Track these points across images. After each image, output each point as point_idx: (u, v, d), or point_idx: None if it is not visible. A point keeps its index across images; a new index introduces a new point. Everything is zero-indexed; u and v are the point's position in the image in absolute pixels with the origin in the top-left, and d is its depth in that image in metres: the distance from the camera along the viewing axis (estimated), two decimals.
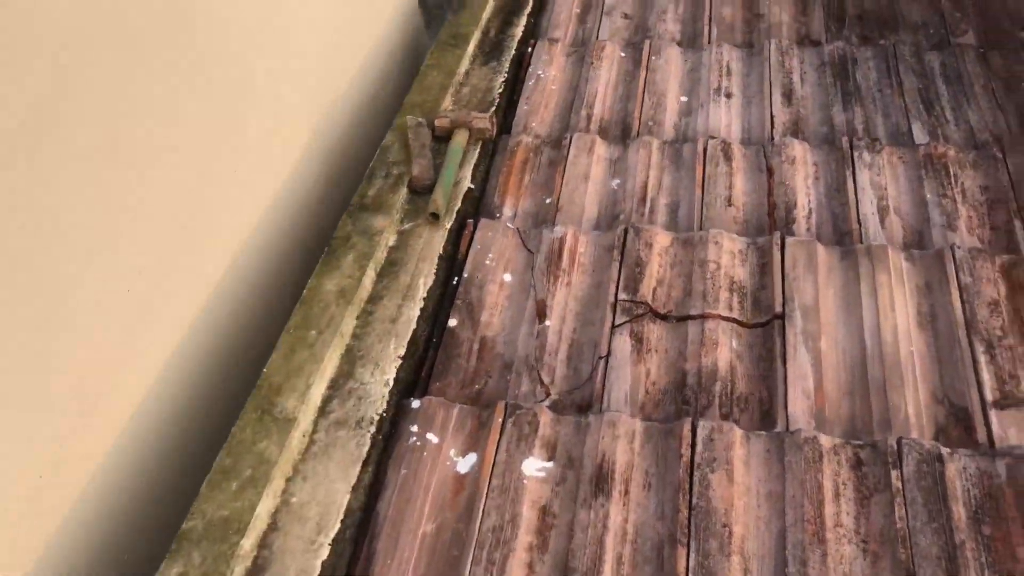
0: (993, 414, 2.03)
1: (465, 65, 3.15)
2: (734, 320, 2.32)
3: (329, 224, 2.55)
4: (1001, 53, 3.20)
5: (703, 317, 2.31)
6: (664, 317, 2.35)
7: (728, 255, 2.45)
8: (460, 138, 2.73)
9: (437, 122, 2.78)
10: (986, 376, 2.10)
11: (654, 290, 2.40)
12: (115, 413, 1.92)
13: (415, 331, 2.22)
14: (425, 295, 2.31)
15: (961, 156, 2.72)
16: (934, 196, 2.62)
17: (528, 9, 3.54)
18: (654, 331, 2.31)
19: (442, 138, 2.80)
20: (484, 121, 2.78)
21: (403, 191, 2.58)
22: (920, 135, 2.87)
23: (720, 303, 2.34)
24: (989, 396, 2.06)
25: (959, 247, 2.36)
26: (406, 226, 2.51)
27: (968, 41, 3.32)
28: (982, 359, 2.13)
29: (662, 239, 2.51)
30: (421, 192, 2.60)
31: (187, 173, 2.03)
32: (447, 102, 2.96)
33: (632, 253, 2.46)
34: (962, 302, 2.25)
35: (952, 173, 2.67)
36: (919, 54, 3.21)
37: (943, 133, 2.89)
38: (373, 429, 2.02)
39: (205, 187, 2.11)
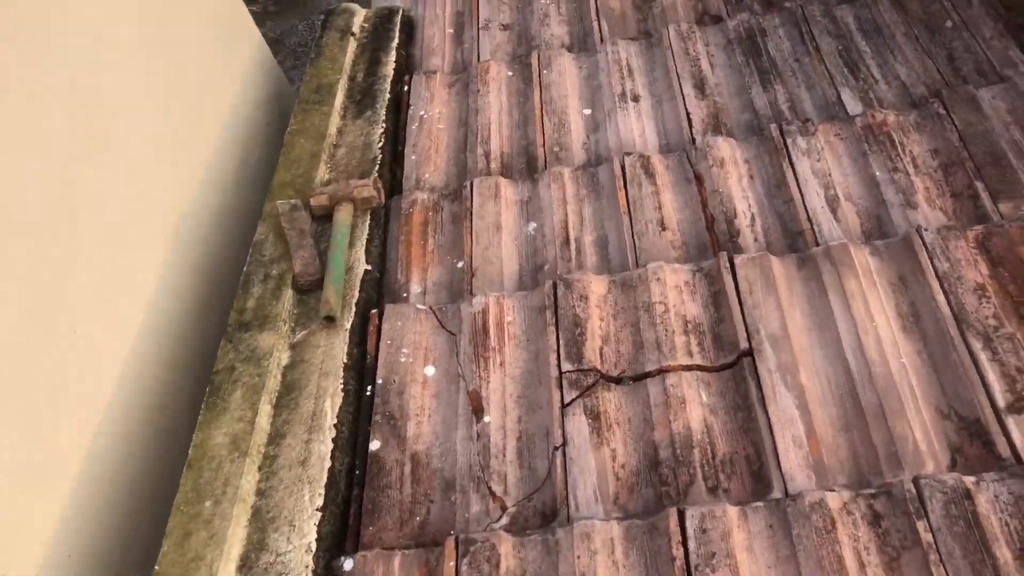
0: (1010, 421, 1.85)
1: (335, 123, 2.88)
2: (697, 367, 2.10)
3: (216, 347, 2.25)
4: None
5: (662, 372, 2.09)
6: (618, 380, 2.12)
7: (674, 291, 2.23)
8: (344, 214, 2.46)
9: (313, 201, 2.50)
10: (992, 377, 1.91)
11: (600, 350, 2.16)
12: None
13: (332, 469, 1.94)
14: (336, 420, 2.04)
15: (902, 120, 2.56)
16: (884, 172, 2.44)
17: (396, 40, 3.28)
18: (611, 401, 2.07)
19: (323, 218, 2.52)
20: (368, 188, 2.51)
21: (288, 294, 2.30)
22: (852, 104, 2.70)
23: (678, 350, 2.12)
24: (1000, 401, 1.88)
25: (926, 229, 2.18)
26: (298, 337, 2.22)
27: None
28: (982, 357, 1.95)
29: (597, 287, 2.28)
30: (309, 290, 2.32)
31: None
32: (322, 172, 2.68)
33: (567, 311, 2.22)
34: (945, 293, 2.07)
35: (897, 142, 2.50)
36: (829, 11, 3.05)
37: (876, 96, 2.73)
38: None
39: (28, 371, 1.79)
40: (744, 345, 2.09)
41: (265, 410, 2.03)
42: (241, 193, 2.95)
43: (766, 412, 1.96)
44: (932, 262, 2.13)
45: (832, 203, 2.42)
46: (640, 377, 2.11)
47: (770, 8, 3.21)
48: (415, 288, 2.45)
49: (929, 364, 1.99)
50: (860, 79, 2.79)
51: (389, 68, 3.14)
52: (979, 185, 2.35)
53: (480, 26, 3.41)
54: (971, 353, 1.96)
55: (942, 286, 2.08)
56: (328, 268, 2.31)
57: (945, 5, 2.97)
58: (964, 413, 1.90)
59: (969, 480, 1.73)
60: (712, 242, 2.41)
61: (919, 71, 2.77)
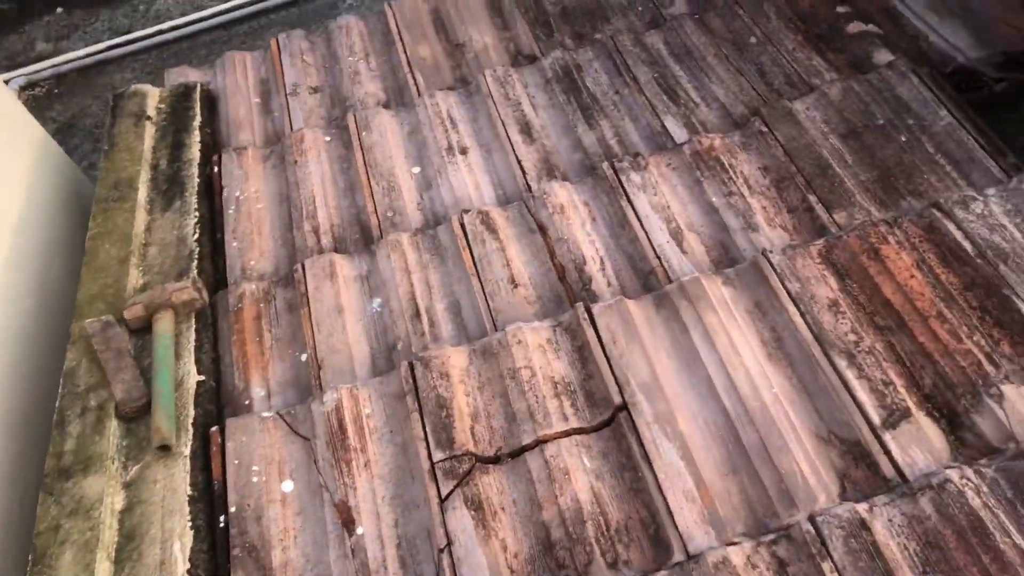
0: (888, 438, 1.84)
1: (142, 220, 2.60)
2: (575, 431, 1.99)
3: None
4: (716, 13, 3.12)
5: (540, 443, 1.97)
6: (496, 460, 1.97)
7: (538, 352, 2.12)
8: (164, 324, 2.20)
9: (127, 314, 2.23)
10: (862, 395, 1.91)
11: (472, 430, 2.01)
12: None
13: None
14: (188, 564, 1.79)
15: (728, 142, 2.58)
16: (720, 197, 2.44)
17: (198, 119, 3.03)
18: (491, 485, 1.92)
19: (143, 330, 2.25)
20: (188, 290, 2.26)
21: (112, 426, 2.02)
22: (677, 131, 2.70)
23: (552, 416, 2.00)
24: (875, 418, 1.88)
25: (771, 251, 2.18)
26: (132, 473, 1.95)
27: (680, 10, 3.24)
28: (849, 375, 1.95)
29: (457, 359, 2.14)
30: (136, 418, 2.05)
31: None
32: (134, 278, 2.40)
33: (429, 393, 2.06)
34: (802, 315, 2.06)
35: (727, 164, 2.51)
36: (640, 40, 3.07)
37: (698, 120, 2.74)
38: None
39: None
40: (617, 399, 2.00)
41: (103, 569, 1.75)
42: (44, 313, 2.61)
43: (652, 469, 1.88)
44: (784, 284, 2.12)
45: (676, 236, 2.38)
46: (518, 452, 1.97)
47: (582, 41, 3.20)
48: (258, 392, 2.22)
49: (801, 390, 1.97)
50: (681, 105, 2.80)
51: (194, 150, 2.88)
52: (812, 198, 2.39)
53: (288, 92, 3.20)
54: (838, 373, 1.95)
55: (797, 308, 2.08)
56: (155, 389, 2.05)
57: (746, 22, 3.04)
58: (844, 435, 1.88)
59: (862, 508, 1.70)
60: (567, 292, 2.32)
61: (735, 90, 2.81)
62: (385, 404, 2.10)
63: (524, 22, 3.32)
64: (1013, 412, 1.83)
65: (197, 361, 2.20)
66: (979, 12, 2.84)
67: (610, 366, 2.06)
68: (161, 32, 5.77)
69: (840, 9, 3.01)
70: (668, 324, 2.13)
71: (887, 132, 2.50)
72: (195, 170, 2.81)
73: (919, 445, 1.83)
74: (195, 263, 2.45)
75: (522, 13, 3.35)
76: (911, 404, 1.90)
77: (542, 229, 2.46)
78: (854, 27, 2.93)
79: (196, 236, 2.55)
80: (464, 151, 2.80)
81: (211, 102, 3.22)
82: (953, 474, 1.72)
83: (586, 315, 2.15)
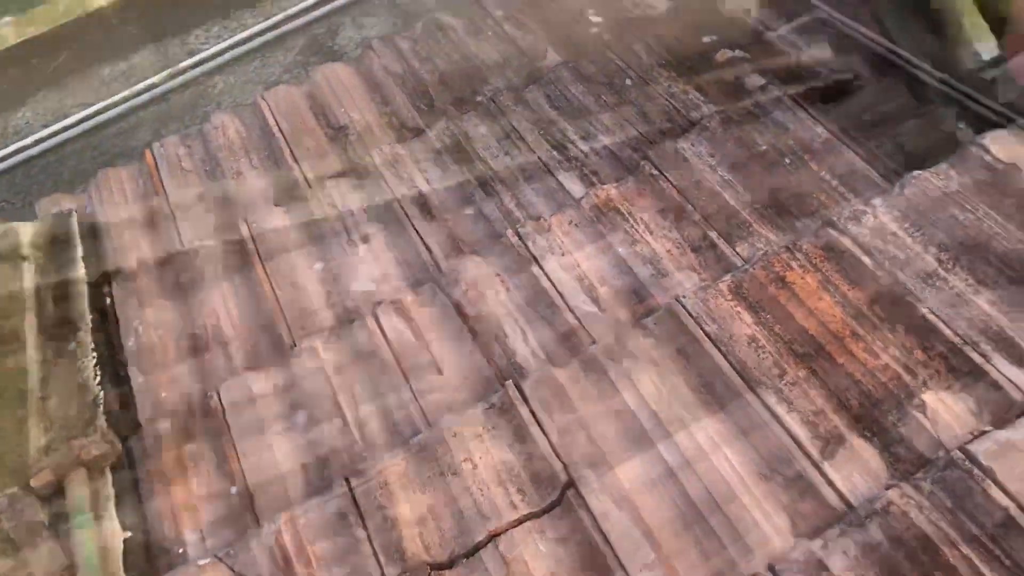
0: (827, 467, 1.90)
1: (36, 372, 2.49)
2: (526, 517, 1.99)
3: None
4: (589, 59, 3.20)
5: (493, 537, 1.96)
6: (451, 564, 1.95)
7: (476, 441, 2.11)
8: (78, 485, 2.11)
9: (34, 482, 2.13)
10: (796, 428, 1.97)
11: (421, 538, 1.99)
12: None
13: None
14: None
15: (623, 189, 2.64)
16: (626, 247, 2.50)
17: (79, 250, 2.93)
18: None
19: (53, 496, 2.15)
20: (97, 444, 2.19)
21: None
22: (573, 186, 2.76)
23: (500, 507, 2.00)
24: (812, 449, 1.93)
25: (684, 296, 2.23)
26: None
27: (553, 59, 3.31)
28: (780, 411, 2.01)
29: (395, 468, 2.11)
30: None
31: None
32: (36, 438, 2.30)
33: (371, 506, 2.04)
34: (724, 356, 2.12)
35: (626, 212, 2.57)
36: (520, 97, 3.12)
37: (590, 170, 2.80)
38: None
39: None
40: (563, 477, 2.01)
41: None
42: None
43: (609, 543, 1.89)
44: (701, 327, 2.17)
45: (590, 293, 2.42)
46: (472, 551, 1.96)
47: (464, 107, 3.24)
48: (191, 537, 2.15)
49: (737, 432, 2.02)
50: (571, 158, 2.85)
51: (82, 285, 2.79)
52: (712, 234, 2.46)
53: (172, 205, 3.13)
54: (769, 409, 2.01)
55: (719, 349, 2.13)
56: (78, 560, 1.96)
57: (619, 64, 3.13)
58: (785, 471, 1.93)
59: (817, 546, 1.75)
60: (494, 371, 2.33)
61: (620, 135, 2.88)
62: (328, 526, 2.05)
63: (403, 94, 3.34)
64: (937, 419, 1.92)
65: (121, 520, 2.12)
66: (835, 23, 3.00)
67: (549, 442, 2.07)
68: (24, 148, 5.58)
69: (706, 39, 3.13)
70: (599, 387, 2.16)
71: (771, 157, 2.60)
72: (86, 305, 2.72)
73: (858, 469, 1.89)
74: (101, 409, 2.36)
75: (399, 86, 3.38)
76: (843, 429, 1.96)
77: (458, 308, 2.46)
78: (722, 55, 3.05)
79: (98, 379, 2.46)
80: (365, 238, 2.79)
81: (92, 228, 3.12)
82: (894, 494, 1.78)
83: (517, 392, 2.16)
